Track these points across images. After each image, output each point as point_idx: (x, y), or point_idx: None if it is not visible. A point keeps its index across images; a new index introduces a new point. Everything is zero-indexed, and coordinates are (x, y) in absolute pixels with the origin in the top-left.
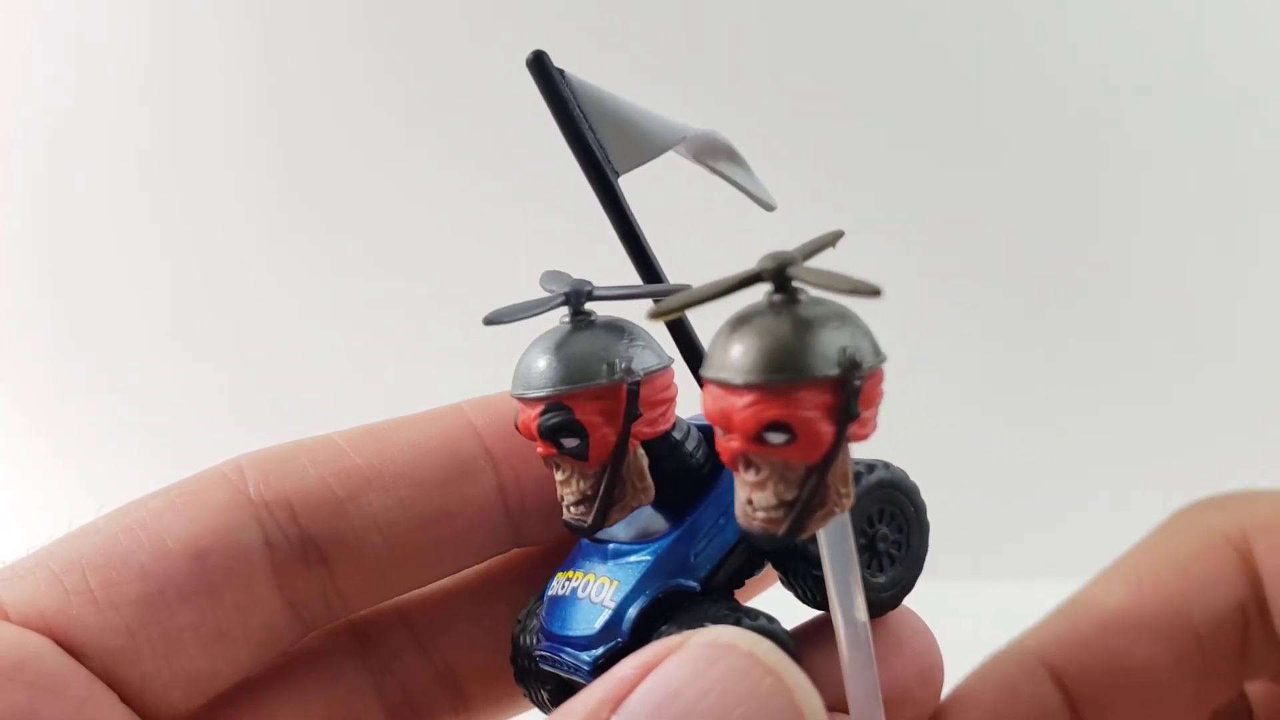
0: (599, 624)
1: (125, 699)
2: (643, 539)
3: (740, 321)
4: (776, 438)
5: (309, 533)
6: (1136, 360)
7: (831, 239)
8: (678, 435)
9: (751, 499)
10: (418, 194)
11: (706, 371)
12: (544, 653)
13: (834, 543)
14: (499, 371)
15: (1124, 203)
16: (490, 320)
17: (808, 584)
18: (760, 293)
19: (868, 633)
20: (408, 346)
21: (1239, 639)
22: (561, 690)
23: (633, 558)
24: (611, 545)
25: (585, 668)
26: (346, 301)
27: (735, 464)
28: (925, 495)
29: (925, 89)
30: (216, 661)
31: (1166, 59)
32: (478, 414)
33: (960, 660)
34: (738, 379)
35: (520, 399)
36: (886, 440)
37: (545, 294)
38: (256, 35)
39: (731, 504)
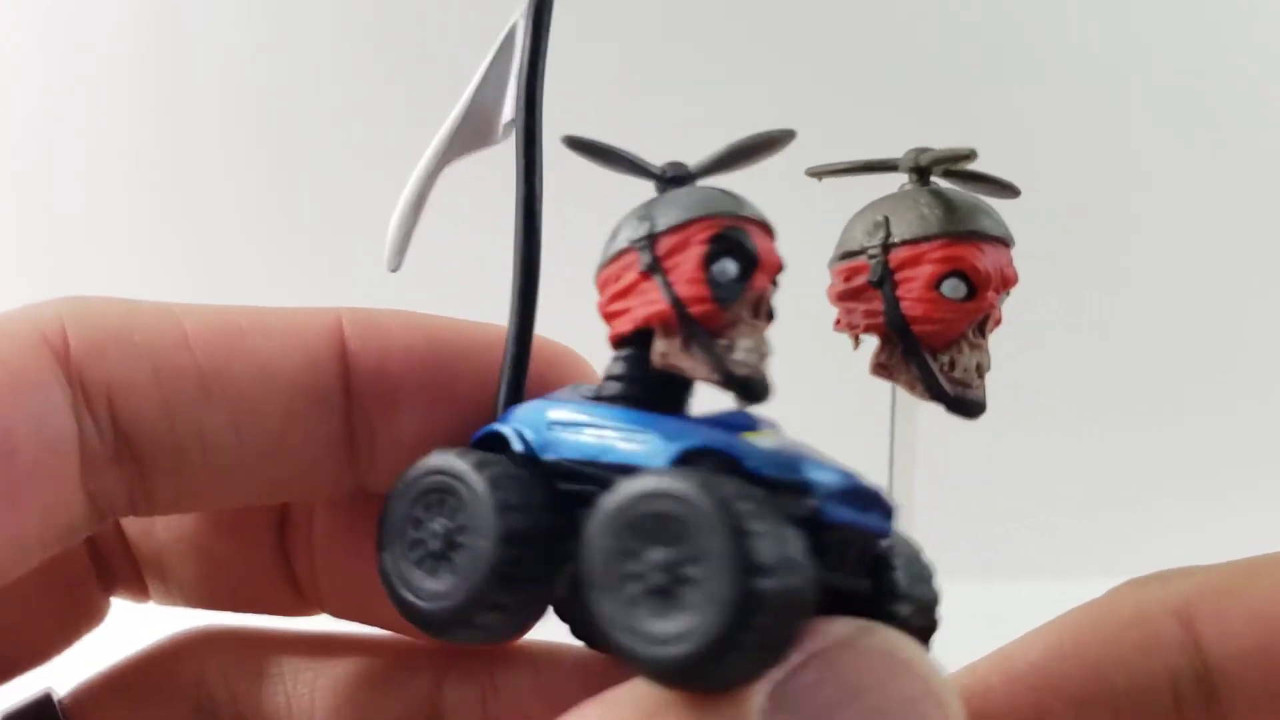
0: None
1: None
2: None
3: (937, 193)
4: (1003, 296)
5: (125, 433)
6: (1135, 359)
7: (967, 152)
8: None
9: (980, 364)
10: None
11: (961, 225)
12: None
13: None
14: None
15: (1121, 198)
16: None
17: None
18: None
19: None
20: None
21: (1165, 713)
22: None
23: (772, 432)
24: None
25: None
26: (348, 301)
27: (968, 329)
28: (925, 493)
29: (924, 86)
30: (6, 565)
31: (1165, 56)
32: (355, 332)
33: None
34: (1002, 232)
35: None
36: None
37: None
38: (253, 29)
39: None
